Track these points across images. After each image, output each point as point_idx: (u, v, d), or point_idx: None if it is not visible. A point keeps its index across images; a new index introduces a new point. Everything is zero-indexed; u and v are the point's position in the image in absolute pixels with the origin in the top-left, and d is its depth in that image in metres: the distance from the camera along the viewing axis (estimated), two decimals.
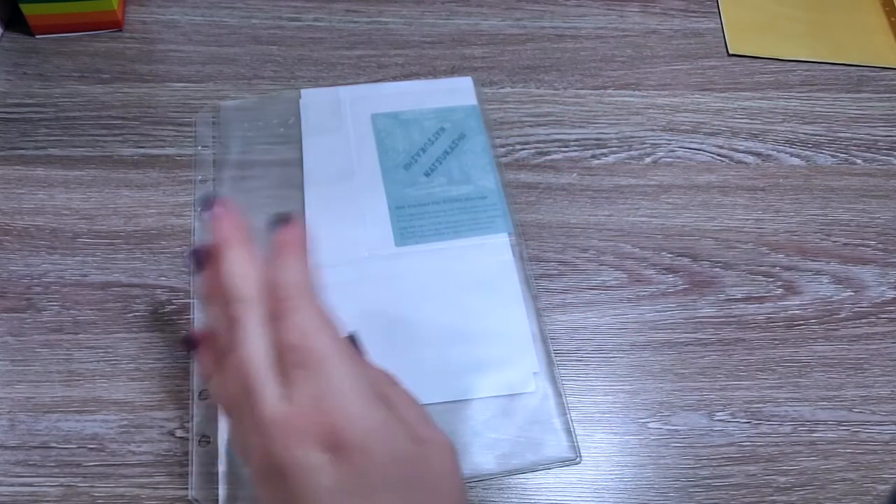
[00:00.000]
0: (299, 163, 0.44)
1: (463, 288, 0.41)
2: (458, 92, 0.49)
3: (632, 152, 0.47)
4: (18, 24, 0.49)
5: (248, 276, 0.29)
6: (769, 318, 0.41)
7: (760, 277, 0.43)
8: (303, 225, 0.32)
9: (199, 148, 0.45)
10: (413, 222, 0.43)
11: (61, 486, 0.34)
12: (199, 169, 0.44)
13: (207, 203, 0.31)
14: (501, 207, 0.44)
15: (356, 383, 0.27)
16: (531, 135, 0.48)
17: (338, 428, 0.26)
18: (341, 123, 0.46)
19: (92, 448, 0.35)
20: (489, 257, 0.42)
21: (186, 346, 0.32)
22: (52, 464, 0.34)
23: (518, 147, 0.47)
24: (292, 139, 0.46)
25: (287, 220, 0.31)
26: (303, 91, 0.48)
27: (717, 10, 0.55)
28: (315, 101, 0.47)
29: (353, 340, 0.32)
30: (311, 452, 0.26)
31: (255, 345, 0.28)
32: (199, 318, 0.38)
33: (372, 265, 0.41)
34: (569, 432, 0.37)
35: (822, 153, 0.48)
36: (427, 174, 0.45)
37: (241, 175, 0.44)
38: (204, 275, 0.32)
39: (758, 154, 0.48)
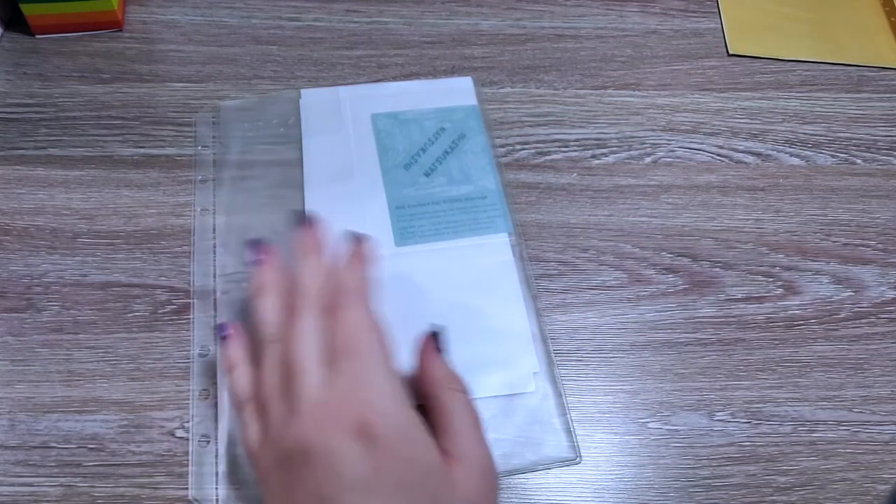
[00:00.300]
0: (299, 163, 0.44)
1: (463, 288, 0.41)
2: (457, 92, 0.49)
3: (632, 152, 0.47)
4: (18, 24, 0.49)
5: (315, 278, 0.33)
6: (769, 318, 0.41)
7: (760, 277, 0.43)
8: (367, 240, 0.36)
9: (199, 148, 0.45)
10: (413, 222, 0.43)
11: (61, 486, 0.34)
12: (199, 169, 0.44)
13: (301, 219, 0.35)
14: (501, 207, 0.44)
15: (392, 384, 0.29)
16: (531, 135, 0.48)
17: (369, 420, 0.27)
18: (341, 123, 0.46)
19: (92, 448, 0.35)
20: (489, 257, 0.42)
21: (220, 333, 0.35)
22: (52, 464, 0.34)
23: (518, 147, 0.47)
24: (292, 139, 0.46)
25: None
26: (303, 91, 0.48)
27: (717, 10, 0.55)
28: (315, 101, 0.47)
29: (436, 336, 0.34)
30: (345, 439, 0.27)
31: (308, 335, 0.31)
32: (198, 318, 0.38)
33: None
34: (569, 432, 0.37)
35: (822, 153, 0.48)
36: (427, 174, 0.45)
37: (241, 175, 0.44)
38: (261, 267, 0.35)
39: (758, 154, 0.48)
